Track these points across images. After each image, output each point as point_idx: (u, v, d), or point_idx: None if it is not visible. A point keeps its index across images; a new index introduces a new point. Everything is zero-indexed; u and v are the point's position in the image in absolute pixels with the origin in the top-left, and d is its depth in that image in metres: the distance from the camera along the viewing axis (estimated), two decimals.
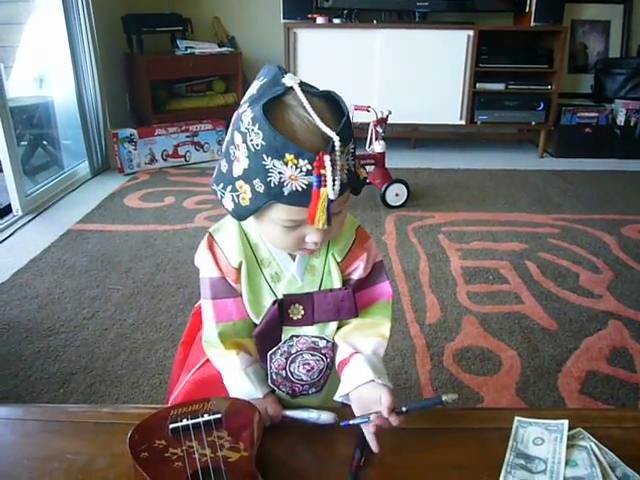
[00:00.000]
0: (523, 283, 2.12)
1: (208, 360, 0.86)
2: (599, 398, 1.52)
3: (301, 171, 0.63)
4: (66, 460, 0.71)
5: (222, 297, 0.80)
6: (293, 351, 0.82)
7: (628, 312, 1.92)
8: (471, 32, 3.56)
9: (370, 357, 0.79)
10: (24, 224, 2.69)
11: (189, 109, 3.80)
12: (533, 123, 3.79)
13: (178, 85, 3.87)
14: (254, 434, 0.69)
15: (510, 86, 3.72)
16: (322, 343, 0.82)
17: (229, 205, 0.71)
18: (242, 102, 0.70)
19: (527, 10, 3.68)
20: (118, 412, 0.89)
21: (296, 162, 0.63)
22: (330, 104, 0.68)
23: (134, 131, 3.46)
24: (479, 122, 3.78)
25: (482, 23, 3.73)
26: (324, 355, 0.83)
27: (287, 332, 0.81)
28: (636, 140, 3.81)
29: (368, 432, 0.72)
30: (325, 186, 0.63)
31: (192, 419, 0.69)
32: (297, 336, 0.81)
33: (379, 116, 2.79)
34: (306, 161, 0.63)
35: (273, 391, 0.84)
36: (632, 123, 3.80)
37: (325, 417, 0.76)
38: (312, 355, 0.83)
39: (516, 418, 0.76)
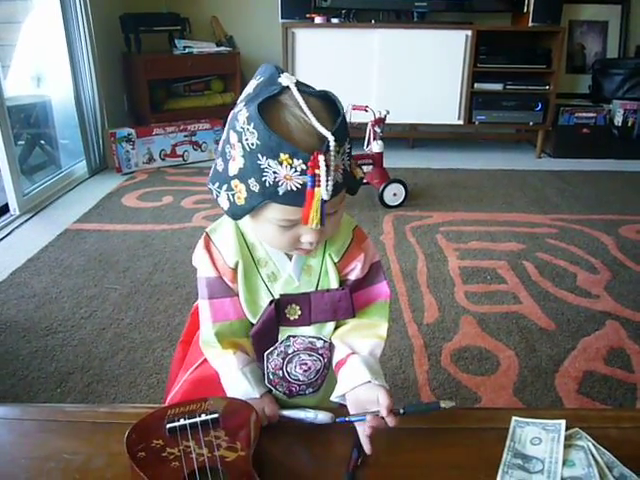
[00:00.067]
0: (521, 283, 2.12)
1: (206, 360, 0.86)
2: (596, 398, 1.52)
3: (296, 171, 0.63)
4: (63, 460, 0.71)
5: (219, 297, 0.80)
6: (290, 351, 0.82)
7: (625, 312, 1.92)
8: (469, 32, 3.56)
9: (367, 358, 0.79)
10: (21, 223, 2.69)
11: (187, 108, 3.80)
12: (531, 123, 3.80)
13: (176, 84, 3.87)
14: (251, 434, 0.69)
15: (508, 86, 3.72)
16: (319, 343, 0.82)
17: (225, 204, 0.71)
18: (238, 101, 0.70)
19: (525, 10, 3.69)
20: (115, 412, 0.89)
21: (291, 162, 0.63)
22: (326, 104, 0.68)
23: (132, 130, 3.45)
24: (477, 122, 3.78)
25: (480, 23, 3.73)
26: (321, 355, 0.83)
27: (284, 332, 0.81)
28: (634, 140, 3.82)
29: (362, 434, 0.72)
30: (319, 186, 0.63)
31: (189, 419, 0.69)
32: (294, 336, 0.81)
33: (377, 116, 2.79)
34: (300, 161, 0.63)
35: (270, 391, 0.84)
36: (630, 123, 3.80)
37: (322, 417, 0.76)
38: (309, 355, 0.83)
39: (513, 418, 0.76)
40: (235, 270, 0.79)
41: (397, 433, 0.73)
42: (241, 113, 0.66)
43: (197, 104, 3.85)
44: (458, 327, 1.84)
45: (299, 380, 0.84)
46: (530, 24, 3.64)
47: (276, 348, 0.82)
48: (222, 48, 3.86)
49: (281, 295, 0.79)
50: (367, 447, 0.71)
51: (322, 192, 0.63)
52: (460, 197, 3.06)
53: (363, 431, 0.71)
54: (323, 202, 0.64)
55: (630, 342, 1.76)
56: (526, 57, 3.71)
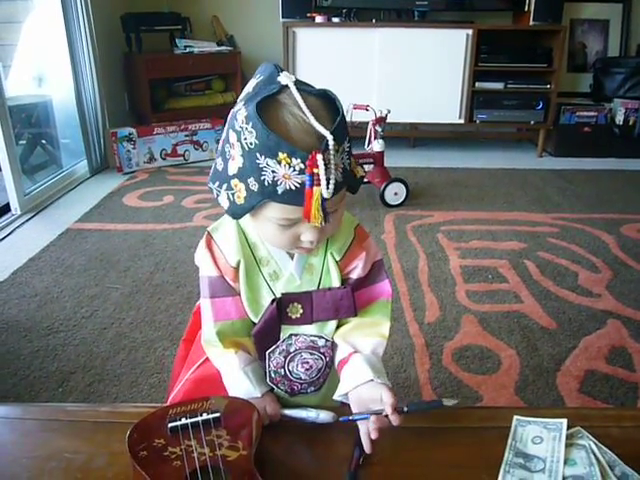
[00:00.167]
0: (522, 282, 2.12)
1: (208, 358, 0.86)
2: (598, 397, 1.52)
3: (294, 170, 0.63)
4: (65, 459, 0.71)
5: (220, 296, 0.80)
6: (292, 350, 0.82)
7: (627, 311, 1.92)
8: (470, 31, 3.56)
9: (369, 356, 0.79)
10: (23, 223, 2.69)
11: (188, 108, 3.80)
12: (532, 122, 3.79)
13: (177, 84, 3.87)
14: (253, 433, 0.69)
15: (509, 85, 3.72)
16: (321, 342, 0.82)
17: (225, 203, 0.71)
18: (238, 100, 0.70)
19: (526, 9, 3.68)
20: (117, 411, 0.89)
21: (289, 161, 0.63)
22: (325, 103, 0.68)
23: (133, 130, 3.46)
24: (478, 121, 3.78)
25: (481, 22, 3.73)
26: (323, 354, 0.83)
27: (286, 331, 0.81)
28: (635, 139, 3.81)
29: (364, 433, 0.72)
30: (318, 185, 0.63)
31: (191, 418, 0.69)
32: (296, 335, 0.81)
33: (378, 115, 2.79)
34: (299, 160, 0.63)
35: (272, 390, 0.84)
36: (631, 122, 3.80)
37: (324, 416, 0.76)
38: (311, 354, 0.83)
39: (515, 417, 0.76)
40: (237, 269, 0.79)
41: (399, 432, 0.73)
42: (240, 112, 0.66)
43: (198, 103, 3.85)
44: (459, 326, 1.84)
45: (301, 378, 0.84)
46: (531, 23, 3.63)
47: (278, 347, 0.82)
48: (223, 47, 3.86)
49: (283, 294, 0.79)
50: (367, 446, 0.71)
51: (322, 190, 0.63)
52: (461, 196, 3.06)
53: (365, 430, 0.71)
54: (323, 200, 0.64)
55: (631, 341, 1.76)
56: (527, 56, 3.70)
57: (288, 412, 0.78)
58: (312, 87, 0.69)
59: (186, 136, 3.61)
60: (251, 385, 0.80)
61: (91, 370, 1.61)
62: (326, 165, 0.63)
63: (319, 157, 0.62)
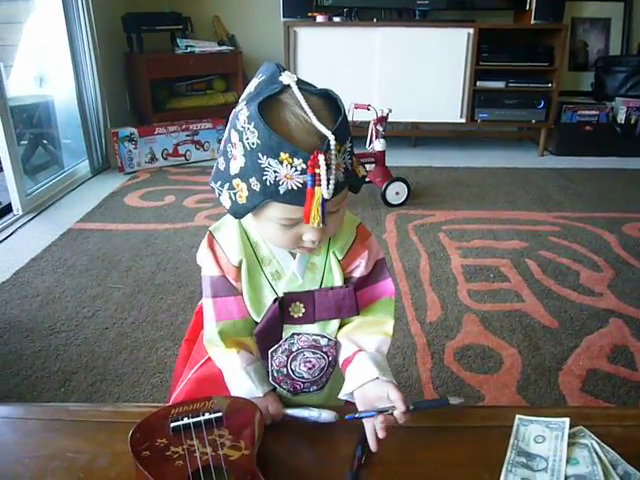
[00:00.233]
0: (524, 281, 2.12)
1: (210, 358, 0.86)
2: (600, 396, 1.52)
3: (296, 170, 0.63)
4: (67, 459, 0.71)
5: (222, 295, 0.80)
6: (294, 349, 0.82)
7: (629, 310, 1.92)
8: (471, 30, 3.55)
9: (374, 355, 0.79)
10: (24, 223, 2.69)
11: (189, 108, 3.80)
12: (533, 121, 3.79)
13: (178, 84, 3.87)
14: (255, 433, 0.69)
15: (510, 84, 3.72)
16: (323, 341, 0.82)
17: (226, 203, 0.72)
18: (240, 100, 0.70)
19: (527, 8, 3.68)
20: (119, 411, 0.89)
21: (291, 161, 0.63)
22: (327, 102, 0.68)
23: (134, 130, 3.46)
24: (479, 120, 3.78)
25: (482, 21, 3.73)
26: (325, 353, 0.83)
27: (288, 330, 0.81)
28: (637, 138, 3.81)
29: (370, 431, 0.72)
30: (320, 185, 0.63)
31: (193, 418, 0.69)
32: (298, 334, 0.81)
33: (379, 114, 2.78)
34: (301, 160, 0.63)
35: (274, 389, 0.84)
36: (633, 121, 3.80)
37: (326, 416, 0.76)
38: (313, 353, 0.83)
39: (517, 416, 0.76)
40: (239, 268, 0.79)
41: (401, 431, 0.73)
42: (242, 112, 0.66)
43: (199, 103, 3.85)
44: (461, 325, 1.83)
45: (303, 378, 0.84)
46: (532, 22, 3.63)
47: (280, 346, 0.82)
48: (224, 47, 3.86)
49: (285, 293, 0.79)
50: (373, 444, 0.71)
51: (323, 191, 0.63)
52: (462, 195, 3.06)
53: (371, 428, 0.71)
54: (324, 201, 0.64)
55: (634, 340, 1.75)
56: (528, 55, 3.70)
57: (290, 412, 0.78)
58: (314, 87, 0.69)
59: (187, 136, 3.61)
60: (253, 385, 0.80)
61: (93, 370, 1.61)
62: (328, 165, 0.63)
63: (321, 157, 0.62)
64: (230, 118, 0.69)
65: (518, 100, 3.73)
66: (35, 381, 1.56)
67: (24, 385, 1.55)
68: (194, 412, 0.71)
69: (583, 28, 4.12)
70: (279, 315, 0.79)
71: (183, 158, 3.63)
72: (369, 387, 0.76)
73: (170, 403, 0.91)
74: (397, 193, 2.86)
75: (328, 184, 0.63)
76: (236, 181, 0.68)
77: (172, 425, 0.69)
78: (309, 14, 3.58)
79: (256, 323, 0.81)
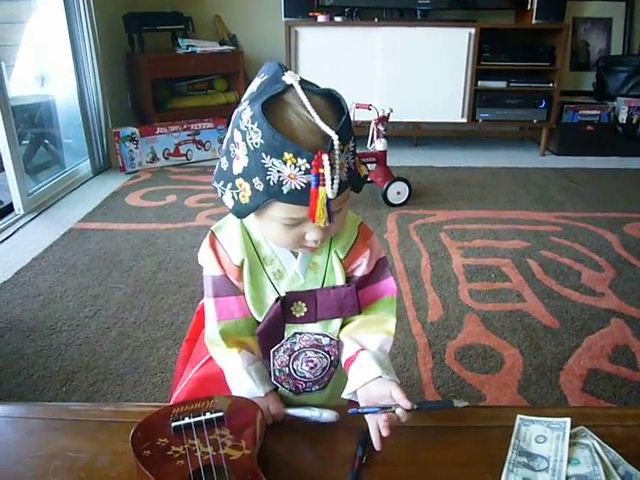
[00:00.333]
0: (525, 281, 2.12)
1: (212, 357, 0.86)
2: (601, 396, 1.51)
3: (300, 170, 0.63)
4: (69, 458, 0.71)
5: (224, 295, 0.80)
6: (296, 348, 0.82)
7: (630, 310, 1.92)
8: (473, 30, 3.55)
9: (376, 353, 0.79)
10: (26, 223, 2.69)
11: (190, 107, 3.80)
12: (535, 121, 3.79)
13: (179, 84, 3.87)
14: (256, 432, 0.69)
15: (512, 84, 3.71)
16: (325, 341, 0.82)
17: (229, 203, 0.72)
18: (243, 99, 0.70)
19: (529, 8, 3.68)
20: (120, 410, 0.89)
21: (295, 161, 0.63)
22: (330, 102, 0.68)
23: (135, 130, 3.46)
24: (481, 120, 3.77)
25: (484, 21, 3.72)
26: (327, 353, 0.83)
27: (290, 329, 0.81)
28: (638, 138, 3.80)
29: (373, 429, 0.72)
30: (324, 185, 0.63)
31: (194, 417, 0.70)
32: (300, 333, 0.81)
33: (380, 114, 2.78)
34: (305, 160, 0.63)
35: (276, 389, 0.84)
36: (634, 121, 3.79)
37: (327, 415, 0.76)
38: (315, 352, 0.83)
39: (518, 416, 0.76)
40: (241, 268, 0.79)
41: (402, 431, 0.73)
42: (245, 112, 0.66)
43: (200, 103, 3.85)
44: (462, 325, 1.83)
45: (305, 377, 0.84)
46: (534, 21, 3.62)
47: (282, 345, 0.82)
48: (225, 47, 3.86)
49: (287, 292, 0.79)
50: (377, 443, 0.71)
51: (327, 191, 0.63)
52: (464, 195, 3.06)
53: (374, 426, 0.71)
54: (329, 200, 0.64)
55: (635, 340, 1.75)
56: (530, 54, 3.69)
57: (291, 411, 0.78)
58: (317, 86, 0.69)
59: (189, 136, 3.62)
60: (254, 384, 0.80)
61: (94, 369, 1.61)
62: (331, 165, 0.63)
63: (325, 157, 0.62)
64: (233, 118, 0.69)
65: (519, 100, 3.73)
66: (36, 380, 1.56)
67: (25, 384, 1.55)
68: (195, 412, 0.71)
69: (584, 28, 4.12)
70: (281, 314, 0.79)
71: (184, 158, 3.63)
72: (372, 386, 0.76)
73: (171, 403, 0.91)
74: (398, 193, 2.86)
75: (332, 184, 0.63)
76: (239, 181, 0.68)
77: (173, 425, 0.69)
78: (310, 14, 3.58)
79: (258, 323, 0.81)
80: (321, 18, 3.58)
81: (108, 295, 2.01)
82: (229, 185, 0.70)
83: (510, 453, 0.70)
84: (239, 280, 0.79)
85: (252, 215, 0.72)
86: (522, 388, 1.54)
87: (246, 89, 0.71)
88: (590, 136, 3.81)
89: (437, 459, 0.72)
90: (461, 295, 2.02)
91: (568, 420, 0.73)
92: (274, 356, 0.82)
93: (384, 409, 0.71)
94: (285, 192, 0.65)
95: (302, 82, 0.67)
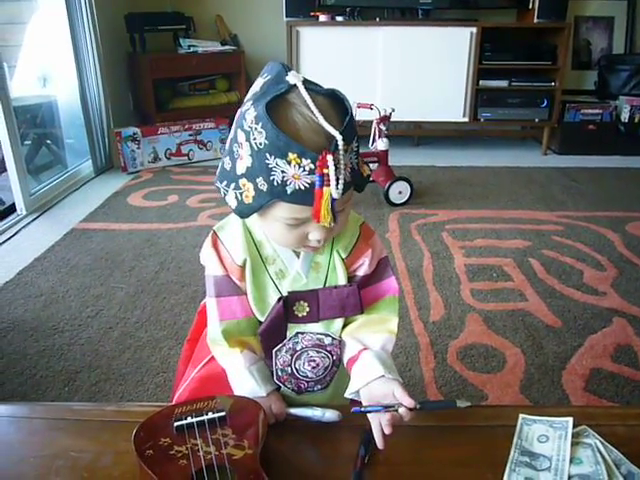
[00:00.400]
0: (527, 280, 2.12)
1: (214, 357, 0.86)
2: (604, 395, 1.51)
3: (304, 170, 0.63)
4: (71, 458, 0.71)
5: (226, 295, 0.80)
6: (298, 348, 0.82)
7: (633, 309, 1.92)
8: (474, 29, 3.55)
9: (379, 353, 0.79)
10: (28, 223, 2.70)
11: (192, 107, 3.80)
12: (536, 120, 3.78)
13: (181, 84, 3.88)
14: (258, 432, 0.69)
15: (513, 83, 3.71)
16: (327, 340, 0.82)
17: (232, 203, 0.72)
18: (245, 100, 0.70)
19: (530, 7, 3.67)
20: (123, 410, 0.89)
21: (299, 161, 0.63)
22: (334, 102, 0.68)
23: (137, 130, 3.46)
24: (482, 119, 3.77)
25: (485, 20, 3.72)
26: (329, 352, 0.83)
27: (292, 329, 0.81)
28: None
29: (376, 428, 0.72)
30: (328, 185, 0.63)
31: (196, 417, 0.70)
32: (302, 333, 0.81)
33: (382, 114, 2.78)
34: (309, 160, 0.63)
35: (278, 388, 0.85)
36: (636, 120, 3.78)
37: (329, 415, 0.76)
38: (317, 352, 0.83)
39: (520, 416, 0.76)
40: (243, 268, 0.79)
41: (404, 431, 0.73)
42: (249, 112, 0.66)
43: (202, 103, 3.85)
44: (464, 325, 1.83)
45: (307, 377, 0.84)
46: (535, 20, 3.62)
47: (284, 345, 0.82)
48: (227, 47, 3.86)
49: (289, 292, 0.79)
50: (380, 441, 0.71)
51: (332, 191, 0.63)
52: (465, 194, 3.06)
53: (377, 425, 0.71)
54: (333, 200, 0.64)
55: (637, 339, 1.75)
56: (531, 53, 3.69)
57: (293, 411, 0.78)
58: (320, 87, 0.69)
59: (190, 135, 3.62)
60: (256, 384, 0.80)
61: (97, 369, 1.61)
62: (336, 166, 0.63)
63: (329, 158, 0.62)
64: (236, 118, 0.69)
65: (521, 99, 3.72)
66: (39, 380, 1.57)
67: (28, 384, 1.55)
68: (198, 411, 0.71)
69: (586, 27, 4.11)
70: (283, 314, 0.79)
71: (186, 158, 3.63)
72: (375, 385, 0.76)
73: (173, 402, 0.91)
74: (400, 192, 2.86)
75: (337, 184, 0.63)
76: (242, 181, 0.68)
77: (176, 424, 0.69)
78: (312, 13, 3.58)
79: (260, 322, 0.81)
80: (322, 18, 3.58)
81: (110, 295, 2.01)
82: (232, 185, 0.70)
83: (512, 452, 0.70)
84: (241, 280, 0.79)
85: (254, 215, 0.72)
86: (524, 387, 1.54)
87: (247, 89, 0.71)
88: (592, 135, 3.80)
89: (439, 458, 0.72)
90: (463, 294, 2.02)
91: (570, 419, 0.73)
92: (276, 356, 0.82)
93: (387, 408, 0.71)
94: (289, 192, 0.65)
95: (306, 82, 0.67)
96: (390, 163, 2.90)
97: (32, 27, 3.26)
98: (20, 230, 2.61)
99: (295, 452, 0.74)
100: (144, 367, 1.62)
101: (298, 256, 0.79)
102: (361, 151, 0.71)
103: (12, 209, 2.79)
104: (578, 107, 3.81)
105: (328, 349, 0.83)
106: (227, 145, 0.72)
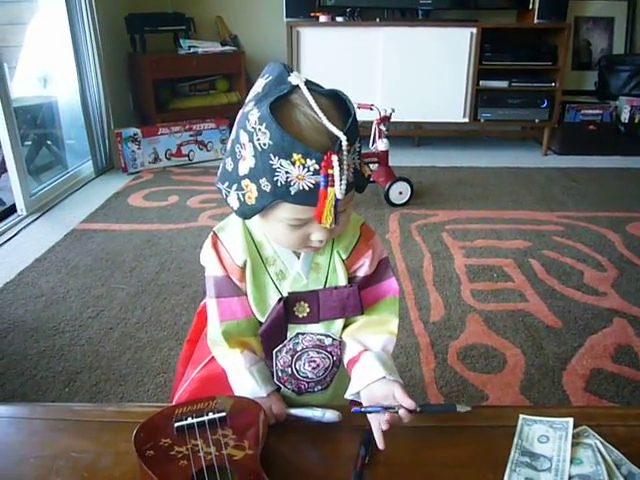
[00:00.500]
0: (527, 281, 2.12)
1: (214, 358, 0.86)
2: (604, 396, 1.51)
3: (308, 171, 0.63)
4: (72, 458, 0.71)
5: (226, 296, 0.80)
6: (299, 348, 0.82)
7: (633, 310, 1.91)
8: (474, 29, 3.55)
9: (380, 354, 0.79)
10: (29, 224, 2.70)
11: (192, 108, 3.80)
12: (537, 120, 3.78)
13: (181, 84, 3.88)
14: (259, 432, 0.69)
15: (514, 83, 3.71)
16: (328, 341, 0.83)
17: (234, 204, 0.72)
18: (247, 100, 0.70)
19: (530, 7, 3.67)
20: (123, 411, 0.89)
21: (304, 162, 0.63)
22: (336, 103, 0.68)
23: (138, 130, 3.46)
24: (482, 120, 3.77)
25: (485, 20, 3.72)
26: (330, 353, 0.83)
27: (292, 330, 0.81)
28: None
29: (377, 429, 0.72)
30: (333, 185, 0.63)
31: (197, 417, 0.70)
32: (302, 334, 0.81)
33: (382, 114, 2.78)
34: (314, 161, 0.63)
35: (279, 389, 0.85)
36: (636, 120, 3.78)
37: (329, 415, 0.76)
38: (318, 353, 0.83)
39: (521, 416, 0.76)
40: (243, 269, 0.79)
41: (405, 431, 0.73)
42: (252, 113, 0.66)
43: (202, 104, 3.85)
44: (464, 325, 1.83)
45: (308, 377, 0.85)
46: (535, 21, 3.62)
47: (285, 346, 0.82)
48: (227, 48, 3.86)
49: (289, 293, 0.79)
50: (380, 441, 0.71)
51: (337, 191, 0.63)
52: (466, 195, 3.06)
53: (377, 425, 0.72)
54: (336, 201, 0.64)
55: (638, 339, 1.75)
56: (532, 54, 3.68)
57: (294, 411, 0.78)
58: (322, 87, 0.69)
59: (190, 136, 3.62)
60: (257, 385, 0.80)
61: (97, 370, 1.61)
62: (340, 166, 0.63)
63: (334, 158, 0.62)
64: (238, 119, 0.69)
65: (521, 99, 3.72)
66: (39, 381, 1.57)
67: (28, 385, 1.55)
68: (198, 412, 0.71)
69: (586, 27, 4.11)
70: (284, 315, 0.79)
71: (186, 158, 3.63)
72: (376, 386, 0.76)
73: (173, 403, 0.91)
74: (400, 193, 2.86)
75: (341, 184, 0.63)
76: (245, 182, 0.68)
77: (176, 425, 0.69)
78: (312, 14, 3.58)
79: (260, 323, 0.81)
80: (323, 18, 3.58)
81: (111, 296, 2.01)
82: (234, 186, 0.70)
83: (513, 453, 0.70)
84: (241, 281, 0.79)
85: (256, 216, 0.72)
86: (525, 388, 1.54)
87: (248, 90, 0.72)
88: (592, 136, 3.80)
89: (440, 459, 0.72)
90: (463, 295, 2.02)
91: (571, 420, 0.73)
92: (276, 356, 0.82)
93: (387, 409, 0.72)
94: (292, 193, 0.65)
95: (308, 83, 0.67)
96: (390, 163, 2.90)
97: (32, 28, 3.26)
98: (20, 231, 2.62)
99: (295, 452, 0.74)
100: (144, 368, 1.62)
101: (298, 257, 0.79)
102: (362, 151, 0.71)
103: (12, 210, 2.79)
104: (578, 107, 3.81)
105: (328, 350, 0.83)
106: (228, 146, 0.72)
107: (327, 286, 0.80)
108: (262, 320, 0.81)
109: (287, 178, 0.64)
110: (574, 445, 0.69)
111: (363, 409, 0.74)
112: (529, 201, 2.97)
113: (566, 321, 1.85)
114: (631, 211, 2.81)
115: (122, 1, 3.70)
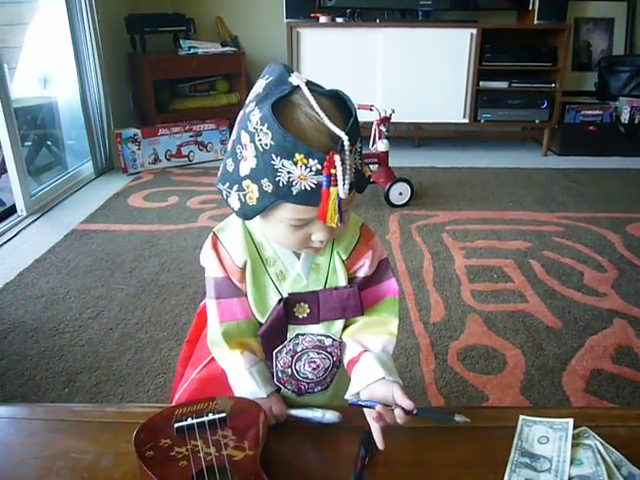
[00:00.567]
0: (527, 282, 2.12)
1: (214, 358, 0.86)
2: (604, 397, 1.51)
3: (311, 171, 0.63)
4: (72, 459, 0.71)
5: (226, 297, 0.80)
6: (299, 349, 0.82)
7: (633, 310, 1.91)
8: (474, 30, 3.55)
9: (380, 355, 0.79)
10: (29, 224, 2.70)
11: (192, 109, 3.81)
12: (537, 121, 3.78)
13: (181, 85, 3.88)
14: (259, 433, 0.69)
15: (513, 84, 3.71)
16: (328, 341, 0.82)
17: (235, 204, 0.71)
18: (248, 101, 0.69)
19: (530, 8, 3.67)
20: (123, 411, 0.89)
21: (306, 162, 0.63)
22: (337, 103, 0.68)
23: (138, 131, 3.46)
24: (483, 120, 3.77)
25: (485, 21, 3.71)
26: (330, 354, 0.83)
27: (292, 330, 0.81)
28: None
29: (375, 427, 0.72)
30: (335, 185, 0.63)
31: (197, 418, 0.70)
32: (303, 334, 0.81)
33: (382, 115, 2.79)
34: (316, 161, 0.63)
35: (279, 390, 0.85)
36: (636, 121, 3.78)
37: (329, 416, 0.76)
38: (318, 353, 0.83)
39: (521, 417, 0.75)
40: (243, 269, 0.79)
41: (405, 432, 0.73)
42: (253, 113, 0.66)
43: (202, 104, 3.85)
44: (464, 326, 1.83)
45: (308, 378, 0.85)
46: (535, 22, 3.62)
47: (285, 346, 0.82)
48: (227, 48, 3.86)
49: (289, 294, 0.79)
50: (380, 442, 0.71)
51: (340, 191, 0.63)
52: (466, 196, 3.06)
53: (377, 426, 0.72)
54: (339, 201, 0.64)
55: (638, 340, 1.75)
56: (532, 55, 3.69)
57: (294, 412, 0.78)
58: (323, 88, 0.69)
59: (191, 137, 3.62)
60: (257, 385, 0.80)
61: (97, 370, 1.61)
62: (342, 166, 0.63)
63: (337, 158, 0.62)
64: (238, 119, 0.69)
65: (521, 100, 3.72)
66: (39, 382, 1.57)
67: (28, 386, 1.55)
68: (198, 412, 0.71)
69: (586, 28, 4.11)
70: (284, 316, 0.79)
71: (186, 159, 3.63)
72: (375, 387, 0.76)
73: (173, 403, 0.91)
74: (400, 193, 2.86)
75: (344, 184, 0.63)
76: (246, 182, 0.68)
77: (176, 425, 0.69)
78: (312, 15, 3.58)
79: (260, 324, 0.81)
80: (323, 19, 3.58)
81: (111, 296, 2.01)
82: (235, 187, 0.70)
83: (513, 454, 0.70)
84: (241, 282, 0.79)
85: (256, 216, 0.72)
86: (525, 389, 1.54)
87: (248, 90, 0.72)
88: (592, 136, 3.80)
89: (440, 459, 0.72)
90: (463, 296, 2.02)
91: (571, 421, 0.73)
92: (276, 357, 0.82)
93: (386, 406, 0.72)
94: (294, 193, 0.65)
95: (308, 83, 0.67)
96: (390, 164, 2.90)
97: (33, 28, 3.26)
98: (20, 231, 2.62)
99: (295, 453, 0.74)
100: (144, 368, 1.62)
101: (298, 257, 0.79)
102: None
103: (12, 210, 2.79)
104: (578, 108, 3.81)
105: (328, 350, 0.83)
106: (229, 147, 0.72)
107: (327, 287, 0.80)
108: (262, 321, 0.81)
109: (289, 178, 0.64)
110: (574, 446, 0.69)
111: (360, 402, 0.74)
112: (529, 202, 2.97)
113: (566, 322, 1.85)
114: (631, 212, 2.81)
115: (122, 1, 3.70)
